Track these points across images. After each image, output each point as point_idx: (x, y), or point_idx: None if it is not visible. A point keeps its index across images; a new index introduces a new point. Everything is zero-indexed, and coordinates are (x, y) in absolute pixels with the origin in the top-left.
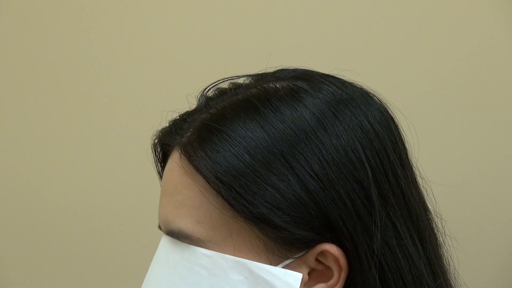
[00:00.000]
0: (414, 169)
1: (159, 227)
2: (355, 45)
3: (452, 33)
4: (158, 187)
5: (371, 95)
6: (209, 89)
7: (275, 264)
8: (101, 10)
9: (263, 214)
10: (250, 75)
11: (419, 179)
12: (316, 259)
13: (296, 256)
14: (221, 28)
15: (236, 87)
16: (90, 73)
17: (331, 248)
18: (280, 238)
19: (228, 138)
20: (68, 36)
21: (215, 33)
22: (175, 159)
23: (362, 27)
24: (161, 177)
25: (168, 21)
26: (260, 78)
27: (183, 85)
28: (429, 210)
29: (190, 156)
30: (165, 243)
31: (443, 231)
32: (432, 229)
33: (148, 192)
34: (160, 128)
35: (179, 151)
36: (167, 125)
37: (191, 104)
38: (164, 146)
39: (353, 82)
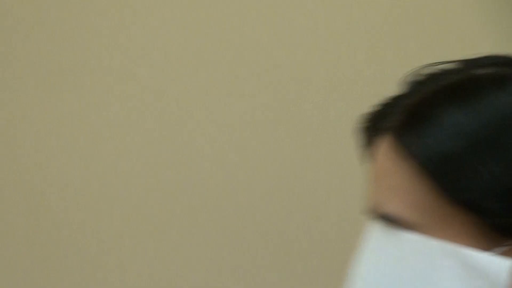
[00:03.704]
0: None
1: (366, 213)
2: None
3: None
4: (161, 189)
5: None
6: (416, 73)
7: (487, 251)
8: (113, 10)
9: (478, 200)
10: (457, 61)
11: None
12: None
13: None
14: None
15: (442, 73)
16: (96, 74)
17: None
18: (494, 225)
19: (439, 123)
20: (78, 34)
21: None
22: (387, 143)
23: None
24: (365, 162)
25: (178, 23)
26: (466, 64)
27: (185, 87)
28: None
29: (402, 141)
30: (374, 229)
31: None
32: None
33: (151, 194)
34: (366, 112)
35: (391, 135)
36: (373, 109)
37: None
38: (371, 130)
39: None
